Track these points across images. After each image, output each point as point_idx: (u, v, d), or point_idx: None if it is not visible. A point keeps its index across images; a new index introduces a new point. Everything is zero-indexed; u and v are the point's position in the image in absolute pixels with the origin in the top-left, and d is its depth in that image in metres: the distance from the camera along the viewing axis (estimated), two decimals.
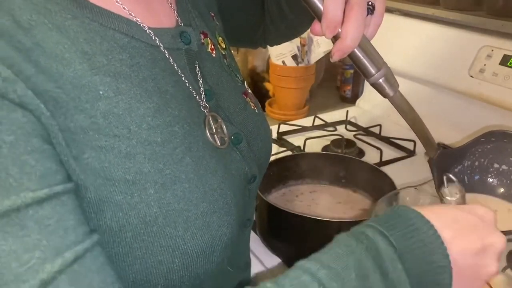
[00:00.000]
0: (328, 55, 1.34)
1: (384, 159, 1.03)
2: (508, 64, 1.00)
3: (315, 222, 0.67)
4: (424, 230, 0.39)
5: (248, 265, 0.65)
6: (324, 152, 1.04)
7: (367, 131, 1.19)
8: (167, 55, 0.46)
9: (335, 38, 0.42)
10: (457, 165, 0.83)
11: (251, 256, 0.68)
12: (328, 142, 1.10)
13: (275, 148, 1.06)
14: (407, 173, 0.92)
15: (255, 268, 0.73)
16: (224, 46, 0.58)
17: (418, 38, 1.19)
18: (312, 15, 0.43)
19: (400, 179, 0.79)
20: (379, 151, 1.05)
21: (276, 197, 0.84)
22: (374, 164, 0.88)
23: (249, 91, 0.60)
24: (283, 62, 1.30)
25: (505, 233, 0.65)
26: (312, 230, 0.68)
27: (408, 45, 1.20)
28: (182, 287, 0.43)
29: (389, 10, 1.24)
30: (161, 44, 0.45)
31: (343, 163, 0.87)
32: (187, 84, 0.47)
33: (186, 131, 0.44)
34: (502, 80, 1.00)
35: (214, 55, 0.54)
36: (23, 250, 0.31)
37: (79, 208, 0.36)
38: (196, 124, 0.46)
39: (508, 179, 0.83)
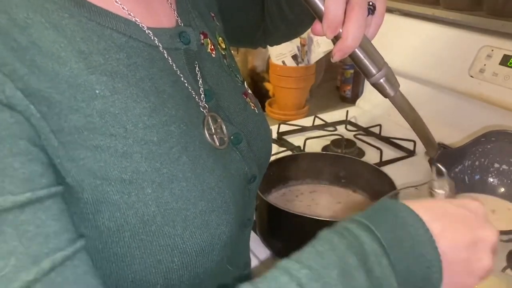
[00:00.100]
0: (328, 55, 1.34)
1: (384, 159, 1.03)
2: (508, 64, 1.00)
3: (315, 222, 0.67)
4: (412, 223, 0.38)
5: (248, 265, 0.65)
6: (324, 152, 1.04)
7: (367, 131, 1.19)
8: (165, 55, 0.46)
9: (336, 38, 0.42)
10: (458, 165, 0.83)
11: (251, 256, 0.68)
12: (328, 142, 1.10)
13: (275, 148, 1.06)
14: (407, 173, 0.92)
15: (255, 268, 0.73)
16: (224, 47, 0.58)
17: (418, 38, 1.19)
18: (313, 15, 0.43)
19: (400, 179, 0.79)
20: (379, 151, 1.05)
21: (276, 197, 0.84)
22: (374, 164, 0.88)
23: (249, 91, 0.60)
24: (283, 62, 1.30)
25: (505, 233, 0.65)
26: (312, 230, 0.68)
27: (408, 45, 1.20)
28: (182, 286, 0.43)
29: (389, 10, 1.24)
30: (160, 44, 0.45)
31: (343, 163, 0.87)
32: (186, 84, 0.47)
33: (183, 131, 0.44)
34: (502, 80, 1.00)
35: (214, 55, 0.54)
36: None
37: (65, 213, 0.35)
38: (194, 124, 0.46)
39: (509, 179, 0.84)
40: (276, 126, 1.17)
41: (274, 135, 1.15)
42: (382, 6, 0.46)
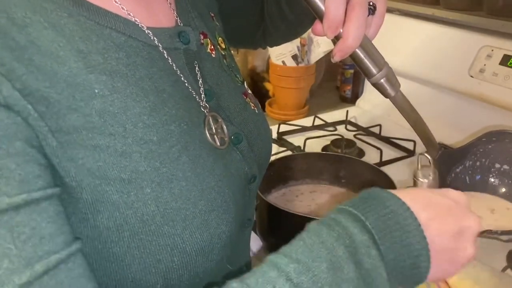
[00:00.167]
0: (328, 55, 1.34)
1: (384, 159, 1.03)
2: (508, 64, 1.00)
3: None
4: (401, 212, 0.38)
5: (248, 264, 0.65)
6: (324, 152, 1.04)
7: (367, 131, 1.19)
8: (165, 55, 0.46)
9: (336, 39, 0.42)
10: (459, 165, 0.83)
11: (251, 255, 0.68)
12: (328, 142, 1.10)
13: (275, 148, 1.06)
14: (407, 173, 0.92)
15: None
16: (224, 47, 0.58)
17: (418, 38, 1.19)
18: (313, 16, 0.43)
19: (400, 179, 0.79)
20: (379, 151, 1.05)
21: (276, 197, 0.84)
22: (374, 164, 0.87)
23: (249, 91, 0.60)
24: (283, 62, 1.30)
25: (505, 233, 0.65)
26: None
27: (408, 45, 1.20)
28: (182, 286, 0.43)
29: (389, 10, 1.24)
30: (159, 44, 0.45)
31: (343, 163, 0.87)
32: (186, 84, 0.47)
33: (183, 130, 0.44)
34: (502, 80, 1.00)
35: (213, 56, 0.54)
36: None
37: (61, 215, 0.35)
38: (195, 123, 0.46)
39: (510, 179, 0.84)
40: (276, 126, 1.17)
41: (274, 135, 1.15)
42: (382, 6, 0.46)
